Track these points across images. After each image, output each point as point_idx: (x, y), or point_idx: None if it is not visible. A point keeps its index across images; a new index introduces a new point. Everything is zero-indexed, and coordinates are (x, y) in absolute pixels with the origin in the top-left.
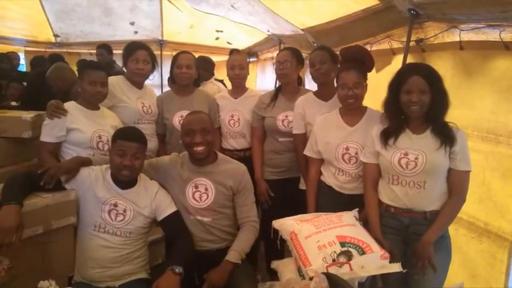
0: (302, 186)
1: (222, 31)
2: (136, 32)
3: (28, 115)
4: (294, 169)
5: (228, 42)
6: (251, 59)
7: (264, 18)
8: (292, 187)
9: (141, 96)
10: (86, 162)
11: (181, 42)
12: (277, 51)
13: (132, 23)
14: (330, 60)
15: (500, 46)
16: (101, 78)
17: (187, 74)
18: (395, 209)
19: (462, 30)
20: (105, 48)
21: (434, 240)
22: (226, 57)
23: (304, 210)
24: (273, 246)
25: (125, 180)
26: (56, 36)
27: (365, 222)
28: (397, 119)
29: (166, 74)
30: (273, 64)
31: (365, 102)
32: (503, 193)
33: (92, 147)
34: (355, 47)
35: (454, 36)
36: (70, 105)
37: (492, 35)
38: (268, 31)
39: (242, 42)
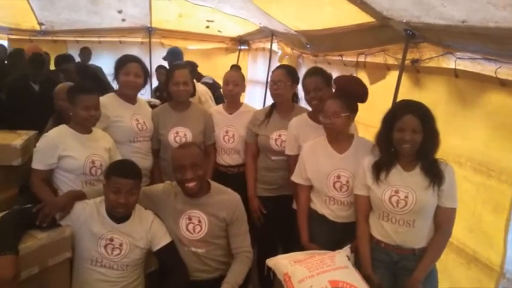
0: (295, 206)
1: (213, 21)
2: (124, 20)
3: (17, 141)
4: (287, 186)
5: (219, 31)
6: (242, 47)
7: (256, 14)
8: (285, 204)
9: (135, 112)
10: (80, 197)
11: (170, 30)
12: (269, 43)
13: (120, 11)
14: (325, 85)
15: (496, 81)
16: (95, 102)
17: (184, 92)
18: (386, 245)
19: (458, 58)
20: (164, 68)
21: (423, 278)
22: (216, 45)
23: (296, 231)
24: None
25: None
26: (40, 24)
27: (356, 253)
28: (389, 153)
29: (155, 63)
30: (269, 83)
31: (359, 114)
32: (494, 226)
33: (84, 174)
34: (346, 77)
35: (449, 62)
36: (61, 130)
37: (488, 67)
38: (260, 24)
39: (233, 31)
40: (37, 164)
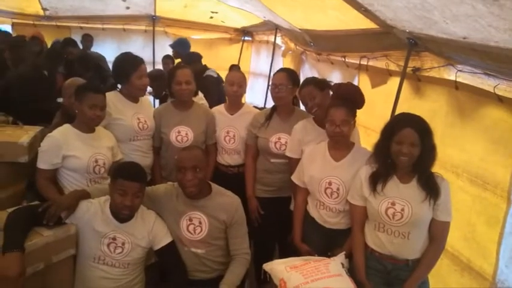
0: (293, 207)
1: (217, 12)
2: (128, 8)
3: (25, 139)
4: (285, 189)
5: (222, 21)
6: (246, 38)
7: (260, 8)
8: (283, 206)
9: (137, 111)
10: (84, 196)
11: (174, 19)
12: (273, 36)
13: (124, 0)
14: (318, 91)
15: (494, 96)
16: (102, 102)
17: (187, 90)
18: (380, 255)
19: (459, 70)
20: (171, 59)
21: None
22: (220, 35)
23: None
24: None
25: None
26: (44, 9)
27: (349, 258)
28: (386, 164)
29: (158, 51)
30: (269, 86)
31: (359, 117)
32: (487, 237)
33: (88, 172)
34: (347, 84)
35: (450, 73)
36: (65, 130)
37: (487, 82)
38: (264, 17)
39: (237, 22)
40: (42, 164)
